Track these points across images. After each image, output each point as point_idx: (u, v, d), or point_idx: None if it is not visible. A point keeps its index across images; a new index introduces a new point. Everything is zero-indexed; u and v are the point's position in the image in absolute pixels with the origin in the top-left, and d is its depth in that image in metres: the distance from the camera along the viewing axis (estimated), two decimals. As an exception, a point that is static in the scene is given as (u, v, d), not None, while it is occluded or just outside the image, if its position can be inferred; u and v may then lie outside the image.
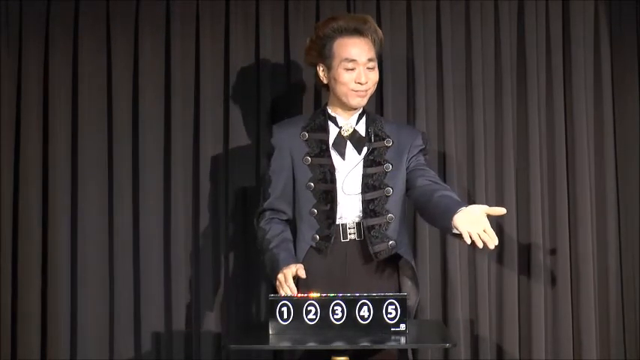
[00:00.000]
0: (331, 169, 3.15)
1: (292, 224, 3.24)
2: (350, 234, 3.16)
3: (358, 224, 3.16)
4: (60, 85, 3.76)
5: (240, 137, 3.79)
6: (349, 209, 3.16)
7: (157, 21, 3.79)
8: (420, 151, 3.24)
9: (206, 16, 3.80)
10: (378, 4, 3.80)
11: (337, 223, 3.15)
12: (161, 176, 3.78)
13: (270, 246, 3.14)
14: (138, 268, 3.76)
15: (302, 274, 3.00)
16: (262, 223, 3.22)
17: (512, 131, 3.80)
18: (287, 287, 2.96)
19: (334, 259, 3.15)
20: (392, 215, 3.15)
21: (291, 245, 3.16)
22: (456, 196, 3.04)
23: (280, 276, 3.00)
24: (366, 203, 3.14)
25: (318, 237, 3.15)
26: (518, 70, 3.82)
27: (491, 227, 2.77)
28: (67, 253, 3.73)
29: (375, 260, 3.15)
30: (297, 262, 3.08)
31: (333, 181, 3.14)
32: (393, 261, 3.20)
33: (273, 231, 3.18)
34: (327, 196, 3.14)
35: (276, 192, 3.21)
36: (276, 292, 3.02)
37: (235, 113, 3.79)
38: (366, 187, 3.15)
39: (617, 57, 3.83)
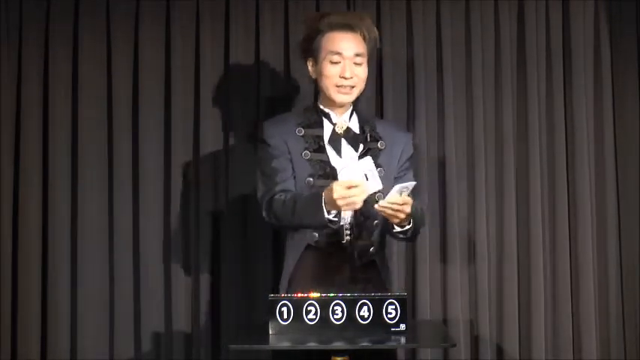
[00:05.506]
0: (331, 165, 3.07)
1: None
2: (346, 235, 3.08)
3: (352, 225, 3.07)
4: (60, 85, 3.76)
5: (240, 137, 3.79)
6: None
7: (157, 21, 3.79)
8: (408, 159, 3.18)
9: (206, 16, 3.79)
10: (378, 4, 3.80)
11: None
12: (161, 176, 3.78)
13: (299, 199, 2.97)
14: (138, 268, 3.76)
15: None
16: (276, 196, 3.02)
17: (512, 131, 3.80)
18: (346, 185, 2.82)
19: (334, 259, 3.08)
20: (378, 221, 3.08)
21: None
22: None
23: (335, 186, 2.84)
24: None
25: (316, 235, 3.05)
26: (518, 70, 3.82)
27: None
28: (67, 253, 3.73)
29: (360, 263, 3.08)
30: None
31: (335, 177, 3.04)
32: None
33: (291, 194, 3.01)
34: None
35: (284, 176, 3.06)
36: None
37: (235, 113, 3.79)
38: None
39: (617, 57, 3.83)
